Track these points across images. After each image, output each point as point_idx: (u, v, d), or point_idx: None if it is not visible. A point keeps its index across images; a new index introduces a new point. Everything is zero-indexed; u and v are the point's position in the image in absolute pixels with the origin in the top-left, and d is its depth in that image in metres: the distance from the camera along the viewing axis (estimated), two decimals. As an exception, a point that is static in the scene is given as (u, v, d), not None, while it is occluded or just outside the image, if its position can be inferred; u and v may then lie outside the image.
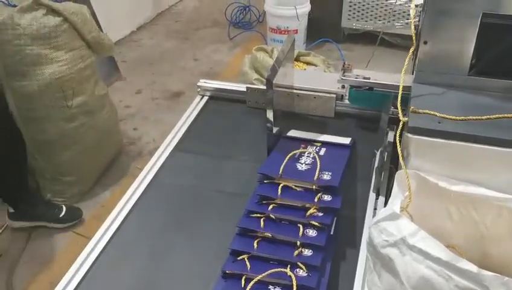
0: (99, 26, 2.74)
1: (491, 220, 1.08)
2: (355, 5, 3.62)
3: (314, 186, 1.20)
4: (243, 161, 1.47)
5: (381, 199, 1.27)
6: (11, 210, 2.13)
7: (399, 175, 1.09)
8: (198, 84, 1.81)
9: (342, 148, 1.44)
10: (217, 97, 1.80)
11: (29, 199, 2.14)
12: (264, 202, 1.19)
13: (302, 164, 1.32)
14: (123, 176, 2.50)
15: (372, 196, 1.29)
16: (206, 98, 1.80)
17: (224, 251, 1.12)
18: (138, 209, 1.32)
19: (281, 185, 1.21)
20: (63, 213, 2.17)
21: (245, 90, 1.75)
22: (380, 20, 3.58)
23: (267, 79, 1.33)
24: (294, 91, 1.64)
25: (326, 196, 1.19)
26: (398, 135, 1.15)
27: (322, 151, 1.39)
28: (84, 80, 2.19)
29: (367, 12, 3.61)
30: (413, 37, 1.26)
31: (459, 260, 0.82)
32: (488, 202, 1.06)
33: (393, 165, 1.31)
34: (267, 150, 1.41)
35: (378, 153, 1.40)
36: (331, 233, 1.14)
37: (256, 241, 1.11)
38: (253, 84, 2.54)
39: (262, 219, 1.15)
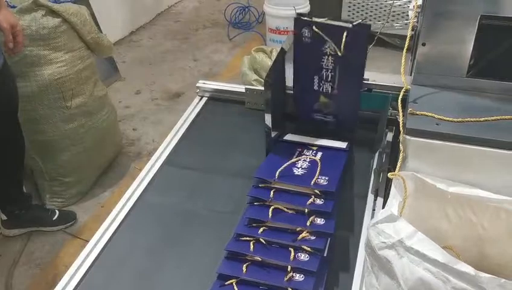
0: (99, 27, 2.75)
1: (488, 221, 1.08)
2: (354, 5, 3.62)
3: (306, 210, 1.15)
4: (238, 176, 1.41)
5: (380, 200, 1.27)
6: (4, 217, 2.12)
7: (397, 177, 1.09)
8: (197, 85, 1.81)
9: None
10: (216, 98, 1.80)
11: (23, 203, 2.14)
12: (254, 224, 1.14)
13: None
14: (122, 176, 2.50)
15: (370, 197, 1.29)
16: (205, 99, 1.80)
17: (214, 269, 1.07)
18: (129, 222, 1.27)
19: (272, 207, 1.16)
20: (56, 216, 2.17)
21: (244, 91, 1.75)
22: (379, 21, 3.58)
23: (266, 80, 1.33)
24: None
25: (319, 220, 1.14)
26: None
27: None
28: (83, 80, 2.19)
29: (366, 13, 3.61)
30: (408, 38, 1.26)
31: (456, 262, 0.82)
32: (485, 204, 1.07)
33: (391, 166, 1.31)
34: (266, 151, 1.41)
35: (376, 154, 1.40)
36: (325, 255, 1.09)
37: (245, 265, 1.06)
38: (252, 85, 2.54)
39: (252, 242, 1.10)
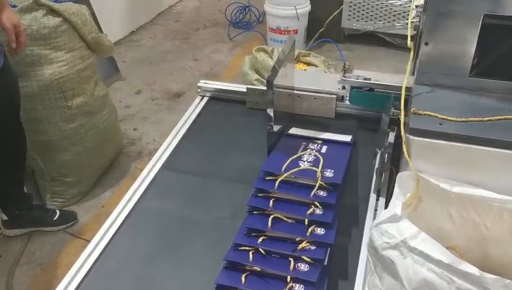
0: (99, 27, 2.74)
1: (491, 221, 1.07)
2: (355, 5, 3.61)
3: (306, 220, 1.14)
4: (240, 178, 1.39)
5: (382, 200, 1.27)
6: (5, 218, 2.12)
7: (400, 177, 1.09)
8: (199, 84, 1.81)
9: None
10: (217, 98, 1.79)
11: (23, 203, 2.13)
12: (253, 234, 1.13)
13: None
14: (123, 176, 2.50)
15: (372, 197, 1.29)
16: (206, 98, 1.80)
17: (213, 276, 1.06)
18: (128, 227, 1.26)
19: (272, 216, 1.15)
20: (56, 216, 2.16)
21: (245, 91, 1.74)
22: (380, 21, 3.58)
23: (268, 80, 1.33)
24: (295, 92, 1.64)
25: (319, 229, 1.13)
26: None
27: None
28: (84, 80, 2.18)
29: (367, 13, 3.61)
30: (409, 38, 1.26)
31: (460, 263, 0.81)
32: (488, 204, 1.06)
33: (393, 166, 1.31)
34: (267, 152, 1.40)
35: (378, 154, 1.40)
36: (325, 263, 1.08)
37: (244, 275, 1.04)
38: (253, 84, 2.54)
39: (251, 252, 1.08)
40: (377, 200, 1.28)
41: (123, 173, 2.52)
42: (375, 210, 1.25)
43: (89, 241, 1.22)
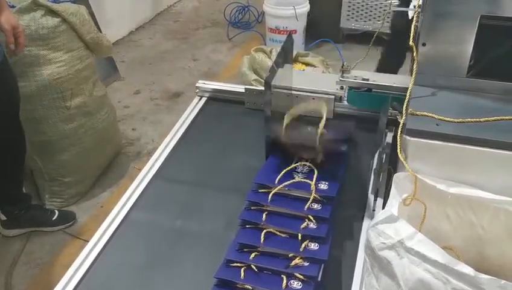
0: (98, 27, 2.75)
1: (488, 222, 1.08)
2: (354, 5, 3.62)
3: (300, 235, 1.11)
4: (237, 186, 1.35)
5: (380, 200, 1.27)
6: (4, 218, 2.12)
7: (397, 177, 1.09)
8: (197, 85, 1.81)
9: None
10: (216, 98, 1.79)
11: (22, 203, 2.13)
12: (245, 249, 1.09)
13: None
14: (122, 176, 2.50)
15: (370, 197, 1.29)
16: (204, 99, 1.80)
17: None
18: (118, 239, 1.23)
19: (264, 231, 1.12)
20: (55, 216, 2.17)
21: (243, 91, 1.74)
22: (379, 21, 3.58)
23: (265, 80, 1.32)
24: (293, 92, 1.64)
25: (312, 245, 1.10)
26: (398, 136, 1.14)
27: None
28: (82, 80, 2.19)
29: (366, 13, 3.61)
30: (411, 38, 1.26)
31: (456, 263, 0.82)
32: (485, 204, 1.06)
33: (391, 166, 1.31)
34: (265, 154, 1.40)
35: (376, 155, 1.40)
36: (319, 280, 1.05)
37: None
38: (251, 85, 2.54)
39: (242, 269, 1.05)
40: (375, 200, 1.28)
41: (122, 173, 2.53)
42: (373, 211, 1.25)
43: (87, 241, 1.22)
